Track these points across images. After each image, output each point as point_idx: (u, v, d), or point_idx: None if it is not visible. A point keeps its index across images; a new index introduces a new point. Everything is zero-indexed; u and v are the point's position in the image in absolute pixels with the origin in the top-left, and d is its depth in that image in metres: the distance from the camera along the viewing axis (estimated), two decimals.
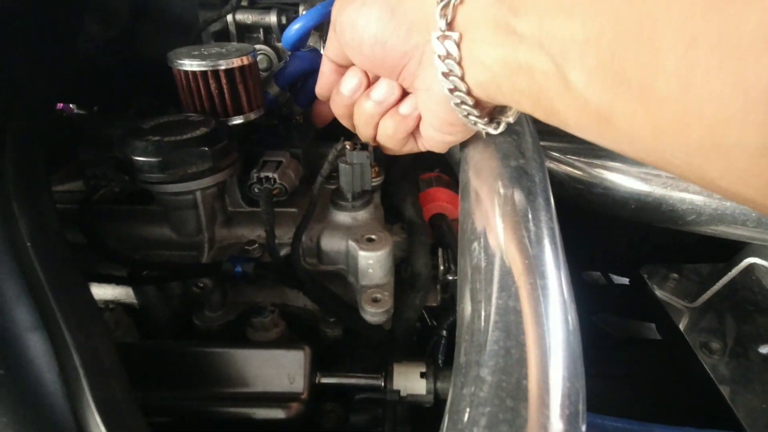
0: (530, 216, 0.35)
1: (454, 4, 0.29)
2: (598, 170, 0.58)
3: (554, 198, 0.58)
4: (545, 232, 0.35)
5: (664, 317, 0.69)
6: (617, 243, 0.86)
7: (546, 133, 0.61)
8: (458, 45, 0.29)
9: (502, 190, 0.37)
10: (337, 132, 0.59)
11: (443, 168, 0.63)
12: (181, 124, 0.40)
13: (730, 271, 0.71)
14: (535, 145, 0.43)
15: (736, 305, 0.68)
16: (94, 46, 0.52)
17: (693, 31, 0.19)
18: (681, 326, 0.66)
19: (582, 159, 0.59)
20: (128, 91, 0.61)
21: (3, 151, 0.34)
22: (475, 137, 0.43)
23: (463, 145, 0.45)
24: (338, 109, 0.39)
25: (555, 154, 0.61)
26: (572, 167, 0.60)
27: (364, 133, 0.39)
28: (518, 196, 0.36)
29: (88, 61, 0.55)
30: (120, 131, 0.44)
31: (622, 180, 0.57)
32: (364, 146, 0.41)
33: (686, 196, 0.54)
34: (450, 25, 0.29)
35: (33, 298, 0.27)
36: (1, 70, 0.37)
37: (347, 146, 0.40)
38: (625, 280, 0.90)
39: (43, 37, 0.44)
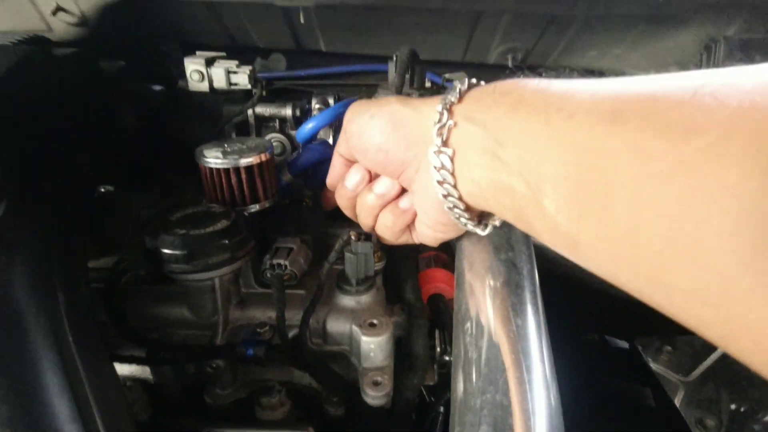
0: (518, 309, 0.39)
1: (449, 126, 0.33)
2: None
3: (547, 275, 0.62)
4: (532, 326, 0.38)
5: (659, 389, 0.70)
6: (612, 310, 0.88)
7: None
8: (452, 159, 0.34)
9: (492, 283, 0.40)
10: (343, 213, 0.64)
11: (441, 245, 0.68)
12: (204, 216, 0.44)
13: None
14: (524, 237, 0.47)
15: (730, 379, 0.70)
16: (130, 133, 0.58)
17: (641, 187, 0.22)
18: (677, 401, 0.67)
19: None
20: (153, 170, 0.66)
21: (50, 241, 0.38)
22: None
23: (459, 237, 0.49)
24: (342, 201, 0.44)
25: None
26: None
27: (364, 222, 0.43)
28: (507, 289, 0.40)
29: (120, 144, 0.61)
30: (147, 211, 0.49)
31: None
32: (368, 237, 0.45)
33: None
34: (445, 143, 0.34)
35: (71, 389, 0.30)
36: (52, 161, 0.42)
37: (352, 237, 0.45)
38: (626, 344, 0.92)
39: (87, 127, 0.50)
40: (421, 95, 0.58)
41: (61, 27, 0.68)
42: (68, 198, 0.43)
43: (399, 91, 0.55)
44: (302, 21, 0.64)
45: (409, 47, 0.56)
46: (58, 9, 0.63)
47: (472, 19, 0.73)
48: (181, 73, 0.86)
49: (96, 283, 0.45)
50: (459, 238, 0.49)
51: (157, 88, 0.71)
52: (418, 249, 0.62)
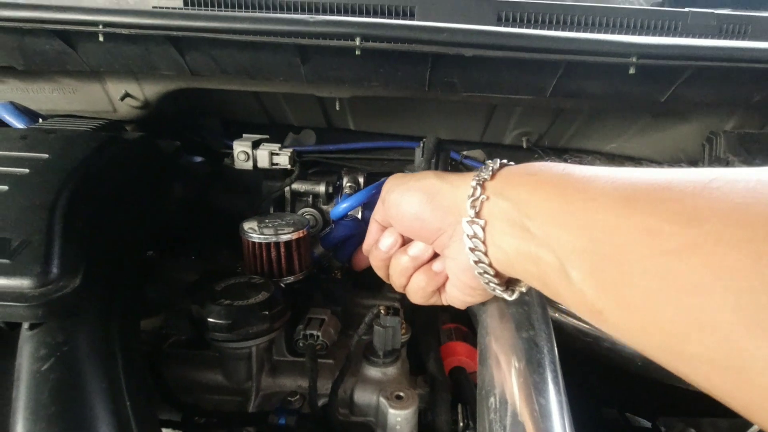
0: (541, 389, 0.41)
1: (482, 200, 0.37)
2: None
3: (565, 348, 0.63)
4: (554, 406, 0.40)
5: None
6: (634, 388, 0.87)
7: None
8: (483, 229, 0.37)
9: (515, 362, 0.43)
10: (369, 280, 0.67)
11: (461, 315, 0.70)
12: (246, 287, 0.48)
13: (752, 426, 0.71)
14: (544, 316, 0.49)
15: None
16: (177, 204, 0.64)
17: (653, 262, 0.25)
18: None
19: None
20: (191, 237, 0.72)
21: (111, 308, 0.42)
22: (492, 304, 0.51)
23: (482, 310, 0.52)
24: (376, 261, 0.47)
25: (562, 306, 0.67)
26: (579, 320, 0.65)
27: (397, 282, 0.46)
28: (529, 368, 0.42)
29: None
30: (187, 276, 0.53)
31: None
32: (396, 311, 0.48)
33: None
34: (477, 214, 0.37)
35: None
36: (116, 233, 0.47)
37: (382, 310, 0.48)
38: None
39: (145, 201, 0.55)
40: None
41: (124, 109, 0.77)
42: (126, 266, 0.48)
43: None
44: (338, 108, 0.72)
45: (435, 136, 0.62)
46: (126, 95, 0.73)
47: (489, 108, 0.80)
48: (220, 144, 0.95)
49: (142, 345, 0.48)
50: (482, 313, 0.51)
51: (198, 159, 0.78)
52: (440, 320, 0.64)
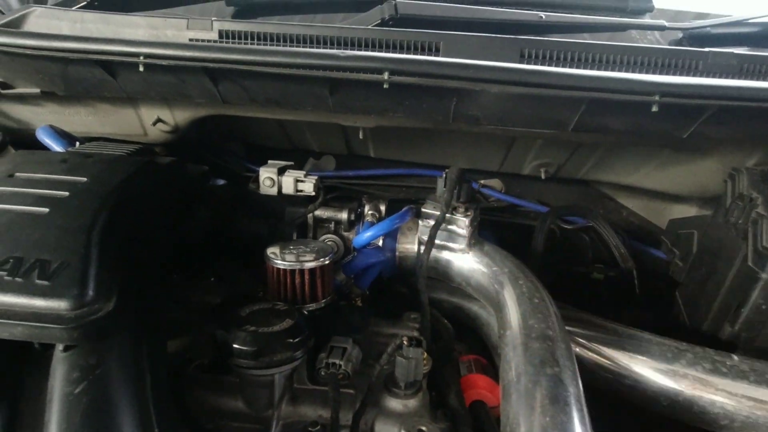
0: (567, 428, 0.40)
1: None
2: (626, 362, 0.62)
3: (586, 385, 0.62)
4: None
5: None
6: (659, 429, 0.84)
7: (572, 320, 0.66)
8: None
9: (541, 400, 0.42)
10: (390, 308, 0.67)
11: (478, 346, 0.69)
12: (270, 313, 0.49)
13: None
14: (568, 352, 0.49)
15: None
16: (201, 227, 0.65)
17: None
18: None
19: (609, 349, 0.63)
20: (212, 258, 0.73)
21: (141, 328, 0.42)
22: (516, 338, 0.50)
23: (504, 344, 0.51)
24: None
25: (582, 341, 0.66)
26: (600, 356, 0.64)
27: None
28: (556, 407, 0.41)
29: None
30: (209, 298, 0.53)
31: (652, 375, 0.60)
32: (419, 342, 0.48)
33: (717, 399, 0.56)
34: None
35: None
36: (146, 256, 0.48)
37: (404, 341, 0.48)
38: None
39: (172, 224, 0.57)
40: (467, 208, 0.64)
41: (155, 133, 0.80)
42: (154, 288, 0.48)
43: (448, 205, 0.61)
44: (361, 137, 0.73)
45: (458, 167, 0.63)
46: (158, 121, 0.75)
47: (509, 139, 0.82)
48: (242, 168, 0.97)
49: None
50: (504, 347, 0.51)
51: (221, 182, 0.80)
52: (459, 350, 0.63)
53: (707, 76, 0.64)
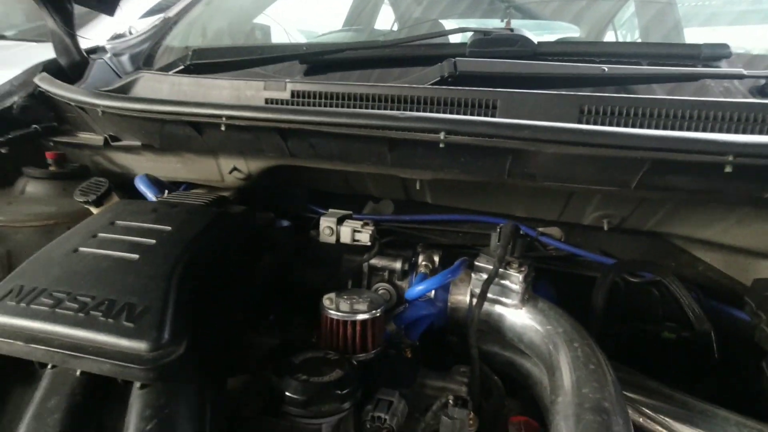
0: None
1: None
2: None
3: None
4: None
5: None
6: None
7: (636, 386, 0.62)
8: None
9: None
10: (438, 360, 0.67)
11: (532, 407, 0.66)
12: (322, 362, 0.51)
13: None
14: (626, 427, 0.46)
15: None
16: (264, 273, 0.70)
17: None
18: None
19: (678, 423, 0.58)
20: (271, 302, 0.77)
21: (205, 376, 0.47)
22: (568, 408, 0.48)
23: (556, 411, 0.49)
24: None
25: (646, 411, 0.61)
26: (667, 430, 0.59)
27: None
28: None
29: None
30: (265, 341, 0.57)
31: None
32: (465, 403, 0.48)
33: None
34: None
35: None
36: (214, 301, 0.53)
37: (450, 401, 0.48)
38: None
39: (238, 270, 0.62)
40: (520, 264, 0.63)
41: (231, 180, 0.88)
42: (221, 333, 0.53)
43: (501, 259, 0.61)
44: (418, 188, 0.76)
45: (512, 222, 0.63)
46: (234, 170, 0.83)
47: (567, 192, 0.80)
48: (305, 209, 1.03)
49: None
50: (555, 416, 0.49)
51: (285, 223, 0.85)
52: (508, 410, 0.61)
53: None
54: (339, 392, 0.47)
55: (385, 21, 2.02)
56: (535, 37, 0.83)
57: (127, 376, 0.40)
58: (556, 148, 0.53)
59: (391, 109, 0.67)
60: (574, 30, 1.48)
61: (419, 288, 0.58)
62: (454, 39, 1.00)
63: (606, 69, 0.74)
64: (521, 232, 0.63)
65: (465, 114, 0.66)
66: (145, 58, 1.11)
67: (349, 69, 0.96)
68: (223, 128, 0.66)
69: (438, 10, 1.70)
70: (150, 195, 0.73)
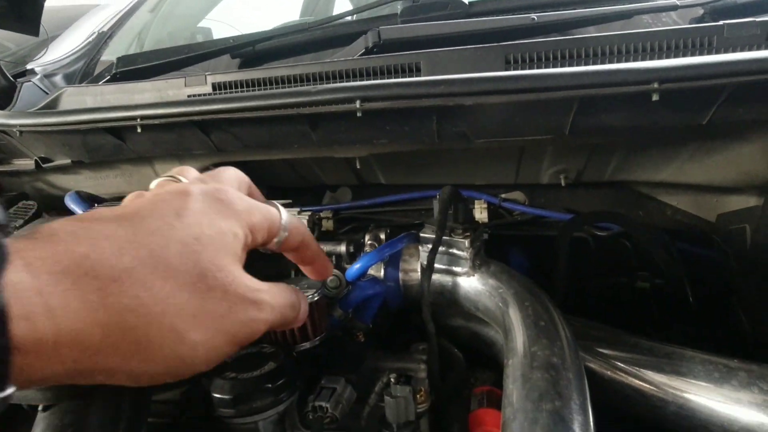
0: None
1: None
2: (666, 386, 0.54)
3: (624, 414, 0.55)
4: None
5: None
6: None
7: (601, 340, 0.59)
8: None
9: None
10: (395, 340, 0.64)
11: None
12: (255, 358, 0.48)
13: None
14: (578, 381, 0.43)
15: None
16: None
17: None
18: None
19: (647, 371, 0.55)
20: None
21: (119, 403, 0.43)
22: (516, 368, 0.45)
23: (505, 373, 0.47)
24: None
25: (617, 363, 0.58)
26: (639, 379, 0.56)
27: None
28: None
29: None
30: None
31: (698, 400, 0.51)
32: (407, 379, 0.45)
33: None
34: None
35: None
36: None
37: (392, 379, 0.45)
38: None
39: None
40: (465, 229, 0.60)
41: None
42: None
43: (442, 227, 0.58)
44: (358, 167, 0.73)
45: (450, 187, 0.60)
46: None
47: (517, 150, 0.77)
48: None
49: (159, 417, 0.49)
50: (505, 378, 0.46)
51: None
52: (472, 383, 0.59)
53: (725, 52, 0.57)
54: (270, 386, 0.44)
55: (345, 5, 1.96)
56: None
57: (25, 399, 0.37)
58: (474, 99, 0.50)
59: None
60: None
61: (357, 266, 0.55)
62: (392, 10, 0.97)
63: (535, 18, 0.71)
64: (462, 197, 0.60)
65: None
66: (81, 76, 1.08)
67: (284, 57, 0.93)
68: (139, 130, 0.62)
69: None
70: (79, 212, 0.70)
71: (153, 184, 0.38)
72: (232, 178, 0.41)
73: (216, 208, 0.32)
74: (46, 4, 0.78)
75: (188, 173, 0.39)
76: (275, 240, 0.38)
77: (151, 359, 0.28)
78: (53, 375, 0.26)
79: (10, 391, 0.23)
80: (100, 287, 0.26)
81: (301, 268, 0.45)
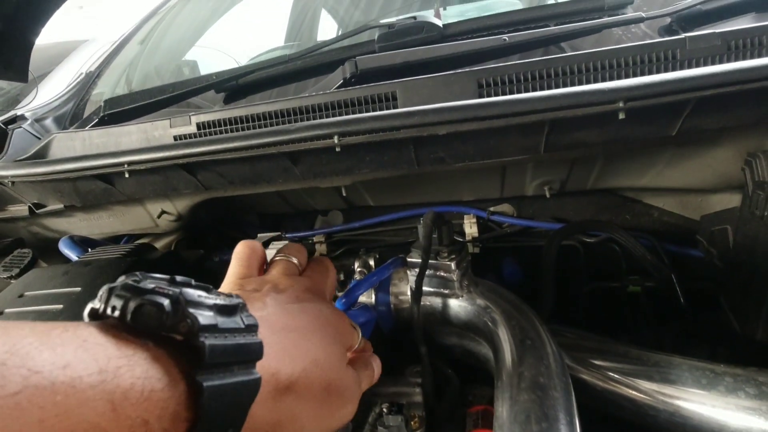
0: None
1: None
2: (656, 394, 0.54)
3: (616, 423, 0.55)
4: None
5: None
6: None
7: (590, 350, 0.60)
8: None
9: None
10: (388, 365, 0.65)
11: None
12: None
13: None
14: (565, 400, 0.44)
15: None
16: None
17: None
18: None
19: (637, 379, 0.56)
20: None
21: None
22: (504, 391, 0.46)
23: (495, 396, 0.48)
24: None
25: (614, 375, 0.59)
26: (630, 389, 0.57)
27: None
28: None
29: None
30: None
31: (688, 406, 0.52)
32: (399, 408, 0.46)
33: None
34: None
35: None
36: None
37: (384, 409, 0.46)
38: None
39: None
40: (450, 251, 0.62)
41: (164, 223, 0.86)
42: None
43: (427, 252, 0.59)
44: (344, 194, 0.74)
45: (433, 211, 0.61)
46: (162, 213, 0.82)
47: (500, 166, 0.79)
48: (256, 236, 1.01)
49: None
50: (495, 401, 0.47)
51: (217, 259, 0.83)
52: (466, 405, 0.60)
53: (688, 65, 0.59)
54: None
55: (330, 30, 1.99)
56: (444, 20, 0.82)
57: None
58: (448, 128, 0.52)
59: (295, 122, 0.66)
60: (516, 5, 1.46)
61: (344, 299, 0.56)
62: (370, 37, 0.99)
63: (507, 38, 0.73)
64: (445, 220, 0.62)
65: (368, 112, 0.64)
66: (71, 118, 1.10)
67: (267, 88, 0.95)
68: (126, 175, 0.64)
69: (376, 11, 1.68)
70: (73, 257, 0.71)
71: (272, 259, 0.44)
72: (328, 272, 0.48)
73: (337, 328, 0.38)
74: (36, 43, 0.80)
75: (300, 255, 0.46)
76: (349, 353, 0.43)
77: None
78: None
79: None
80: (276, 400, 0.29)
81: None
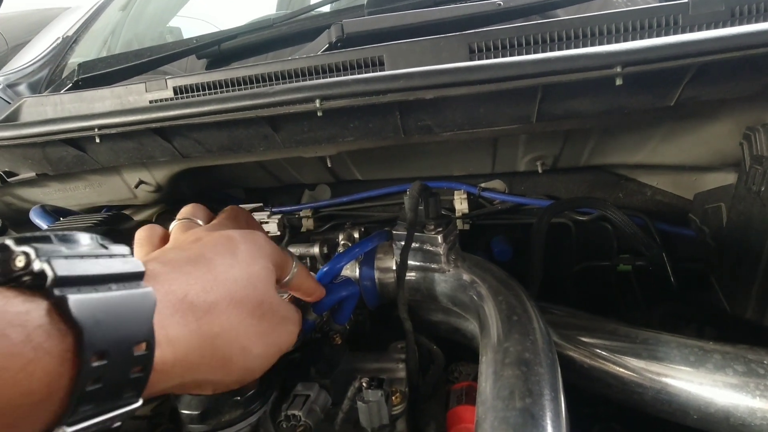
0: None
1: None
2: (644, 371, 0.53)
3: (605, 401, 0.54)
4: None
5: None
6: None
7: (578, 328, 0.59)
8: None
9: None
10: (372, 341, 0.64)
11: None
12: None
13: None
14: (551, 376, 0.43)
15: None
16: None
17: None
18: None
19: (625, 357, 0.55)
20: None
21: None
22: (489, 366, 0.45)
23: (479, 371, 0.46)
24: None
25: (601, 352, 0.58)
26: (619, 366, 0.56)
27: None
28: None
29: None
30: None
31: (676, 384, 0.51)
32: (380, 383, 0.44)
33: (757, 407, 0.47)
34: None
35: None
36: None
37: (363, 383, 0.44)
38: None
39: None
40: (437, 224, 0.59)
41: (142, 195, 0.83)
42: None
43: (413, 224, 0.57)
44: (329, 165, 0.71)
45: (419, 182, 0.59)
46: (140, 183, 0.78)
47: (491, 139, 0.76)
48: None
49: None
50: (479, 376, 0.46)
51: None
52: (450, 382, 0.58)
53: (690, 30, 0.56)
54: (239, 398, 0.43)
55: None
56: None
57: None
58: (435, 92, 0.49)
59: None
60: None
61: (324, 270, 0.54)
62: (361, 1, 0.94)
63: (501, 3, 0.69)
64: (432, 191, 0.59)
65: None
66: (46, 84, 1.05)
67: (251, 55, 0.91)
68: (98, 140, 0.60)
69: None
70: (44, 226, 0.68)
71: (172, 226, 0.45)
72: (244, 219, 0.52)
73: (254, 249, 0.39)
74: (16, 9, 0.75)
75: (200, 212, 0.49)
76: (287, 278, 0.45)
77: (229, 372, 0.36)
78: (166, 389, 0.31)
79: (139, 403, 0.27)
80: (197, 319, 0.32)
81: (303, 299, 0.52)
